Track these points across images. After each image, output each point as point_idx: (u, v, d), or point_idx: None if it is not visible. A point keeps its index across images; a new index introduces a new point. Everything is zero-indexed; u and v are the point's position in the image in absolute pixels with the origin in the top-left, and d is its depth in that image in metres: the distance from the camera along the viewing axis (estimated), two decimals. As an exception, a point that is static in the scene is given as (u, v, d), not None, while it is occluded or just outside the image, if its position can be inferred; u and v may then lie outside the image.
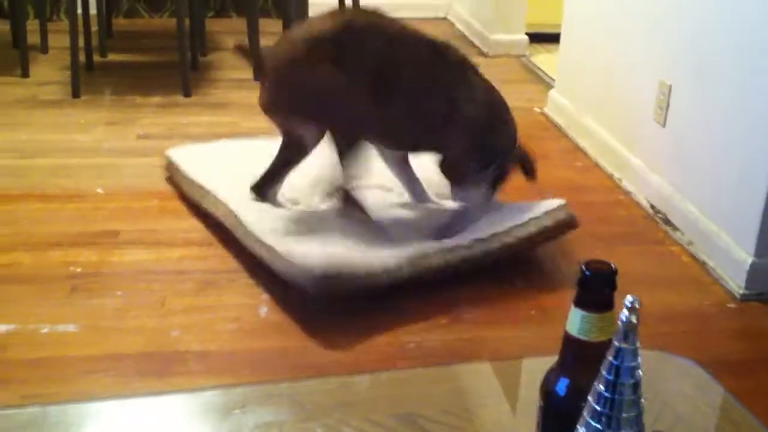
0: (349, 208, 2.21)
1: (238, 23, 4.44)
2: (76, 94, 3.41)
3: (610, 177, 2.88)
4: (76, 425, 1.01)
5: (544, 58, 4.14)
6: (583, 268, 0.82)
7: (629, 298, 0.74)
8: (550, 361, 0.85)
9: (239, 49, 2.34)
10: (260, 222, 2.17)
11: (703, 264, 2.33)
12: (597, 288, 0.81)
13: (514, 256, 2.23)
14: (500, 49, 4.22)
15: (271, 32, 4.22)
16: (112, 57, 3.96)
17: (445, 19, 4.83)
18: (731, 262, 2.22)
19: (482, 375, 1.17)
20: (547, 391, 0.84)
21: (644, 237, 2.51)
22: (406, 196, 2.43)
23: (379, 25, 2.18)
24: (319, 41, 2.08)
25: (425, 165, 2.38)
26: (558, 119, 3.34)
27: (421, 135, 2.23)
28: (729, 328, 2.09)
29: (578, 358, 0.82)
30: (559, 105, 3.34)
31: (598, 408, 0.72)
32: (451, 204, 2.38)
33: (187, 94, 3.48)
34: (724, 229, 2.28)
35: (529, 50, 4.25)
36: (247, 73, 3.72)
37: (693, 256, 2.38)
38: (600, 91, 3.04)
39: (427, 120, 2.20)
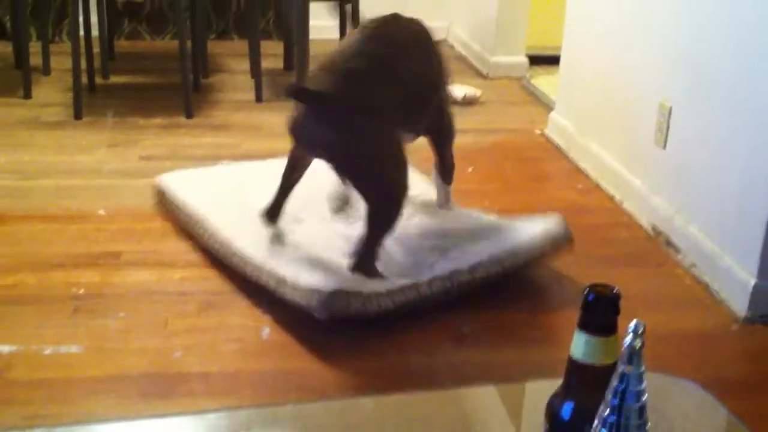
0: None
1: (240, 45, 4.47)
2: (78, 115, 3.42)
3: (612, 198, 2.88)
4: (80, 448, 1.01)
5: (544, 80, 4.15)
6: (587, 291, 0.82)
7: (634, 322, 0.74)
8: (555, 384, 0.85)
9: (295, 91, 2.20)
10: (258, 247, 2.18)
11: (706, 286, 2.33)
12: (601, 312, 0.81)
13: (518, 278, 2.23)
14: (500, 71, 4.24)
15: (272, 54, 4.25)
16: (114, 79, 3.98)
17: (444, 40, 4.86)
18: (734, 284, 2.22)
19: (487, 398, 1.17)
20: (552, 414, 0.84)
21: (646, 259, 2.51)
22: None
23: (402, 54, 2.23)
24: (382, 103, 2.12)
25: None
26: (558, 141, 3.36)
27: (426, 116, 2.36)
28: (732, 350, 2.09)
29: (583, 382, 0.83)
30: (560, 126, 3.35)
31: (604, 432, 0.73)
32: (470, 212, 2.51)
33: (189, 116, 3.49)
34: (727, 250, 2.28)
35: (530, 72, 4.27)
36: (249, 95, 3.75)
37: (696, 278, 2.38)
38: (600, 113, 3.05)
39: (429, 103, 2.35)
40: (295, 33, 3.67)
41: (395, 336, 2.01)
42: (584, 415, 0.77)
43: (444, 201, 2.52)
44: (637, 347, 0.73)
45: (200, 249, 2.36)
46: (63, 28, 4.54)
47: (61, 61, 3.92)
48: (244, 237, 2.23)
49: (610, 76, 2.97)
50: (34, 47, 3.95)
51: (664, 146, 2.59)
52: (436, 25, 4.81)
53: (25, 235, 2.46)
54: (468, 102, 3.74)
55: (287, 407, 1.13)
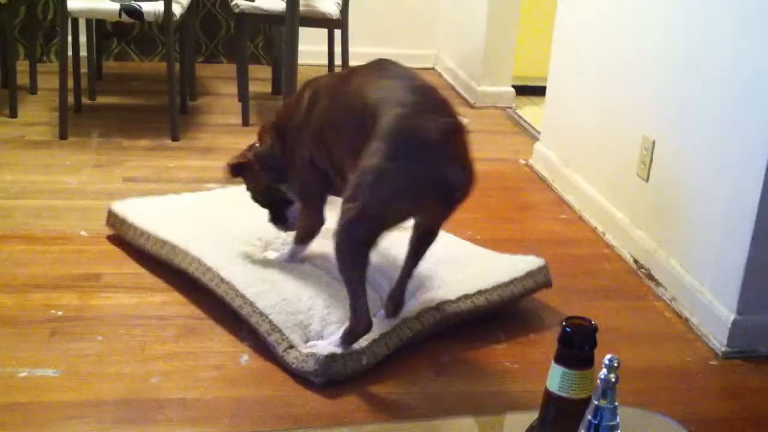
0: None
1: (228, 69, 4.48)
2: (63, 135, 3.42)
3: (594, 230, 2.90)
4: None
5: (530, 111, 4.18)
6: (564, 324, 0.82)
7: (608, 356, 0.74)
8: (533, 416, 0.85)
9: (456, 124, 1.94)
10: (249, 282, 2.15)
11: (685, 320, 2.34)
12: (577, 345, 0.81)
13: (498, 310, 2.23)
14: (487, 100, 4.27)
15: (260, 78, 4.26)
16: (101, 99, 3.97)
17: (432, 69, 4.89)
18: (713, 319, 2.23)
19: (465, 429, 1.17)
20: (527, 448, 0.84)
21: (627, 292, 2.52)
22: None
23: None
24: None
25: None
26: (543, 171, 3.37)
27: None
28: (710, 386, 2.09)
29: (559, 415, 0.82)
30: (545, 157, 3.37)
31: (577, 467, 0.72)
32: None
33: (175, 138, 3.49)
34: (707, 285, 2.29)
35: (516, 102, 4.30)
36: (236, 119, 3.75)
37: (676, 312, 2.38)
38: (584, 145, 3.07)
39: None
40: (284, 58, 3.68)
41: (374, 365, 2.00)
42: (559, 449, 0.77)
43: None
44: (612, 381, 0.73)
45: (181, 273, 2.35)
46: (51, 48, 4.54)
47: (48, 81, 3.92)
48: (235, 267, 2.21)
49: (594, 108, 3.00)
50: (22, 66, 3.95)
51: (647, 179, 2.61)
52: (424, 54, 4.86)
53: (6, 255, 2.45)
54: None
55: (262, 435, 1.12)
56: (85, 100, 3.83)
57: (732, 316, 2.17)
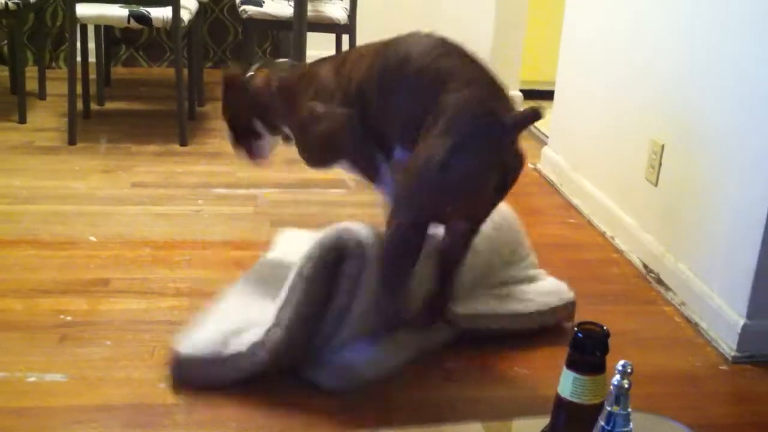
0: None
1: (236, 74, 4.48)
2: (72, 141, 3.43)
3: (603, 235, 2.89)
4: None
5: (538, 115, 4.17)
6: (576, 330, 0.82)
7: (621, 362, 0.74)
8: (543, 422, 0.85)
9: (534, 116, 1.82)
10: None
11: (695, 325, 2.33)
12: (589, 351, 0.81)
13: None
14: (495, 105, 4.26)
15: (268, 84, 4.26)
16: (110, 105, 3.99)
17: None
18: (723, 324, 2.22)
19: (473, 435, 1.16)
20: (538, 454, 0.84)
21: (637, 296, 2.51)
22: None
23: None
24: None
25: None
26: (551, 176, 3.37)
27: None
28: (720, 391, 2.08)
29: (570, 421, 0.82)
30: (553, 162, 3.37)
31: (589, 473, 0.72)
32: None
33: (183, 143, 3.50)
34: (716, 290, 2.28)
35: (523, 106, 4.29)
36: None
37: (685, 317, 2.37)
38: (593, 149, 3.07)
39: None
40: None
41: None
42: (570, 455, 0.77)
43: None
44: (625, 388, 0.73)
45: (191, 278, 2.35)
46: (60, 54, 4.56)
47: (57, 87, 3.93)
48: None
49: (602, 111, 2.99)
50: (31, 72, 3.97)
51: (656, 184, 2.60)
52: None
53: (15, 260, 2.45)
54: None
55: (272, 441, 1.12)
56: (93, 106, 3.84)
57: (742, 321, 2.16)
